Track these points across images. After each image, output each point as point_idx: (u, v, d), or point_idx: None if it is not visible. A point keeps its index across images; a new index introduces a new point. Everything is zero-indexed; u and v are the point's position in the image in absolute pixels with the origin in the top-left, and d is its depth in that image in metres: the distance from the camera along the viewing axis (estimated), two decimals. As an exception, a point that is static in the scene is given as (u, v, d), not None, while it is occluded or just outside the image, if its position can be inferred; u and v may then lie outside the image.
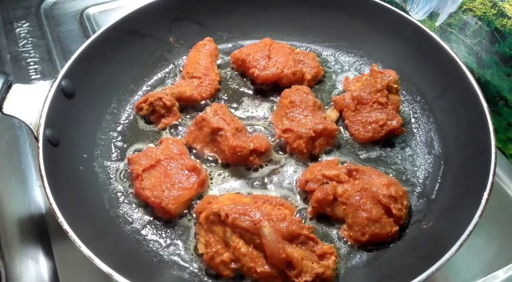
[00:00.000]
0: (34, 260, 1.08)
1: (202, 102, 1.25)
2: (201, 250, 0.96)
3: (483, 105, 1.05)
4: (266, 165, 1.14)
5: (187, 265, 0.99)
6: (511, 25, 1.13)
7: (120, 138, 1.20)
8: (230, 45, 1.43)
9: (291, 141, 1.12)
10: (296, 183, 1.10)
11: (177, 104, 1.21)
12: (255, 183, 1.11)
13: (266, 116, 1.25)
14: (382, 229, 0.97)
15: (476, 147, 1.04)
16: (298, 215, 1.04)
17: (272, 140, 1.17)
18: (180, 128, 1.22)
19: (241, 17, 1.42)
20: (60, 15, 1.71)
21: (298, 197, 1.09)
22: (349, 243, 1.01)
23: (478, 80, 1.12)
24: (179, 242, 1.02)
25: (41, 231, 1.12)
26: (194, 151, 1.15)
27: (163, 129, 1.21)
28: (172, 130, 1.21)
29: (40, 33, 1.63)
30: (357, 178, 1.04)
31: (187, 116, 1.24)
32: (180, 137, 1.19)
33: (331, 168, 1.06)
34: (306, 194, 1.08)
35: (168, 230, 1.04)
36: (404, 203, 1.01)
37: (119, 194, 1.09)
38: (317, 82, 1.32)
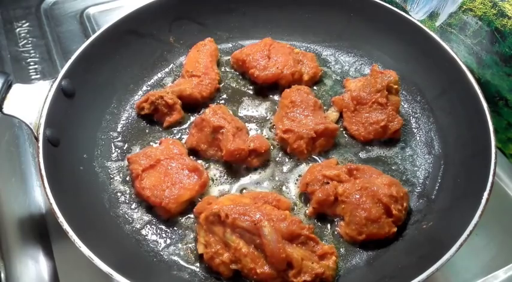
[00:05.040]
0: (34, 260, 1.08)
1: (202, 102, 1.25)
2: (201, 250, 0.96)
3: (483, 105, 1.05)
4: (266, 165, 1.14)
5: (187, 265, 0.99)
6: (511, 25, 1.13)
7: (120, 138, 1.20)
8: (230, 45, 1.43)
9: (291, 141, 1.12)
10: (296, 183, 1.10)
11: (179, 101, 1.21)
12: (255, 184, 1.11)
13: (266, 116, 1.25)
14: (380, 229, 0.97)
15: (476, 147, 1.04)
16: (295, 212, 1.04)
17: (272, 140, 1.17)
18: (182, 131, 1.22)
19: (241, 16, 1.42)
20: (60, 15, 1.71)
21: (297, 197, 1.09)
22: (346, 241, 1.01)
23: (478, 80, 1.12)
24: (179, 242, 1.02)
25: (41, 231, 1.12)
26: (194, 157, 1.15)
27: (169, 127, 1.21)
28: (175, 132, 1.21)
29: (40, 33, 1.63)
30: (357, 177, 1.04)
31: (188, 120, 1.24)
32: (183, 140, 1.19)
33: (332, 168, 1.06)
34: (305, 195, 1.08)
35: (168, 230, 1.04)
36: (404, 204, 1.01)
37: (119, 194, 1.09)
38: (315, 82, 1.32)
